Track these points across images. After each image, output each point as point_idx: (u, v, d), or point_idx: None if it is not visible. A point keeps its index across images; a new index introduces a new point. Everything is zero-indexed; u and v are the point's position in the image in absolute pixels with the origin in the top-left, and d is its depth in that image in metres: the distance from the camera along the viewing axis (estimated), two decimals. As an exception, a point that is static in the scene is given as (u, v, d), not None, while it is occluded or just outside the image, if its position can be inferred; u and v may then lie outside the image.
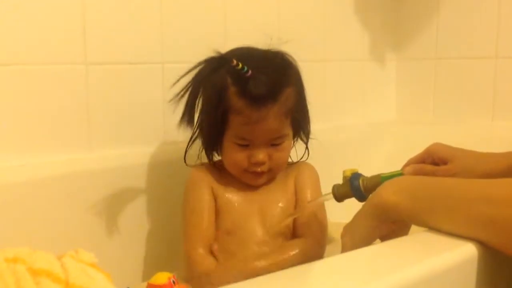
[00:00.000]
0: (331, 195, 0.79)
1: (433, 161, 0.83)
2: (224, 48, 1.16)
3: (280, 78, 0.80)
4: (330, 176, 0.88)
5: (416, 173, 0.81)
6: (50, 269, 0.42)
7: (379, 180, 0.77)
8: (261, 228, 0.84)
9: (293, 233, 0.86)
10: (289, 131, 0.83)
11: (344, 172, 0.81)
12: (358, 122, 1.41)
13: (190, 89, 0.80)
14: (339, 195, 0.79)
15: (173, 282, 0.70)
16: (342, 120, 1.35)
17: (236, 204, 0.85)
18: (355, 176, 0.79)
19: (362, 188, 0.78)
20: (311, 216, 0.85)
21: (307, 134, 0.88)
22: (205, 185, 0.86)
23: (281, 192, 0.87)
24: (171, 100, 0.81)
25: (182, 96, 0.81)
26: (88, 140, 0.98)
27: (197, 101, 0.82)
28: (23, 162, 0.89)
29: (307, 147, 0.89)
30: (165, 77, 1.06)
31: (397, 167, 0.86)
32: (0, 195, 0.82)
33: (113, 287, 0.44)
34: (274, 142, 0.82)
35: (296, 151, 0.91)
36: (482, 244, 0.59)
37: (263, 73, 0.77)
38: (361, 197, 0.78)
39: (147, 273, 0.97)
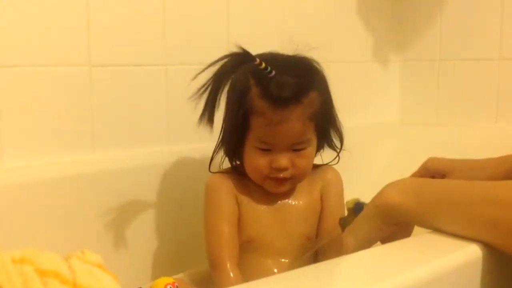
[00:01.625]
0: (340, 228, 0.79)
1: (432, 176, 0.83)
2: (227, 49, 1.16)
3: (304, 81, 0.78)
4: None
5: None
6: (57, 269, 0.42)
7: None
8: (282, 239, 0.82)
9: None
10: (312, 137, 0.81)
11: (346, 203, 0.80)
12: (361, 124, 1.41)
13: (211, 85, 0.76)
14: (346, 227, 0.79)
15: (171, 288, 0.69)
16: (346, 121, 1.33)
17: (258, 213, 0.83)
18: (359, 206, 0.78)
19: None
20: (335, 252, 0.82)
21: (333, 142, 0.85)
22: (228, 192, 0.83)
23: (305, 200, 0.85)
24: (191, 97, 0.76)
25: (203, 92, 0.76)
26: (91, 141, 0.98)
27: (218, 98, 0.77)
28: (28, 163, 0.90)
29: (338, 155, 0.86)
30: (168, 79, 1.07)
31: (400, 168, 0.86)
32: (5, 196, 0.82)
33: (119, 288, 0.44)
34: (297, 147, 0.79)
35: (321, 155, 0.88)
36: (486, 245, 0.59)
37: (287, 75, 0.76)
38: None
39: (153, 274, 0.97)
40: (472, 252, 0.59)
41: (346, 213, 0.80)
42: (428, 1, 1.44)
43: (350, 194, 0.83)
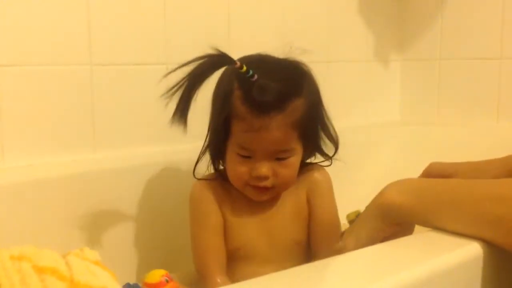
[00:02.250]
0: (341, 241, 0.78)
1: None
2: (228, 48, 1.16)
3: (289, 87, 0.74)
4: (334, 178, 0.88)
5: None
6: (55, 266, 0.42)
7: None
8: (270, 245, 0.80)
9: (309, 248, 0.82)
10: (296, 146, 0.77)
11: (347, 216, 0.79)
12: (362, 123, 1.41)
13: (184, 85, 0.72)
14: None
15: (166, 280, 0.69)
16: (346, 121, 1.34)
17: (244, 221, 0.80)
18: None
19: None
20: (327, 227, 0.81)
21: (321, 150, 0.81)
22: (211, 202, 0.80)
23: (292, 204, 0.81)
24: (163, 95, 0.72)
25: (176, 91, 0.72)
26: (92, 140, 0.98)
27: (191, 98, 0.73)
28: (29, 162, 0.90)
29: (330, 160, 0.82)
30: (169, 78, 1.07)
31: (401, 167, 0.86)
32: (7, 194, 0.82)
33: (117, 285, 0.44)
34: (279, 156, 0.76)
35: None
36: (487, 243, 0.59)
37: (271, 79, 0.71)
38: None
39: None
40: (473, 250, 0.59)
41: (347, 225, 0.79)
42: (429, 1, 1.44)
43: (351, 193, 0.83)
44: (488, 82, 1.34)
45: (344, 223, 0.83)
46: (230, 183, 0.80)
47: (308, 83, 0.78)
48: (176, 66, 1.06)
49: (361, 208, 0.77)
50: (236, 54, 1.14)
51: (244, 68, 0.71)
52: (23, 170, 0.88)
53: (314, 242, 0.82)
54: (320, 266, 0.59)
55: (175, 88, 0.72)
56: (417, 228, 0.74)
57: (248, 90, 0.71)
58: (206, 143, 0.82)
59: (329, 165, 0.84)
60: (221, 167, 0.84)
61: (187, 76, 0.71)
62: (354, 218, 0.78)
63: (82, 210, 0.90)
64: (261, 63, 0.75)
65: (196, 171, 0.84)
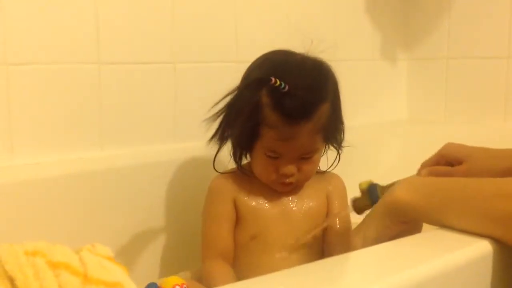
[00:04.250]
0: (351, 209, 0.79)
1: (447, 162, 0.82)
2: (235, 47, 1.17)
3: (317, 94, 0.78)
4: (341, 175, 0.89)
5: (431, 175, 0.79)
6: (68, 262, 0.42)
7: None
8: (287, 234, 0.82)
9: (323, 247, 0.85)
10: (320, 145, 0.81)
11: (360, 185, 0.81)
12: (369, 122, 1.41)
13: (224, 113, 0.79)
14: (359, 208, 0.80)
15: (181, 290, 0.68)
16: (353, 120, 1.33)
17: (262, 209, 0.83)
18: (372, 187, 0.79)
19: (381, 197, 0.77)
20: (343, 233, 0.84)
21: (339, 143, 0.85)
22: (227, 196, 0.84)
23: (312, 199, 0.85)
24: (204, 120, 0.79)
25: (215, 119, 0.79)
26: (100, 138, 0.98)
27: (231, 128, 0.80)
28: (37, 160, 0.90)
29: (338, 155, 0.86)
30: (176, 77, 1.07)
31: (408, 166, 0.86)
32: (16, 192, 0.83)
33: (129, 280, 0.45)
34: (304, 156, 0.80)
35: (328, 158, 0.88)
36: (497, 241, 0.59)
37: (299, 88, 0.75)
38: None
39: (162, 270, 0.97)
40: (483, 248, 0.59)
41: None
42: (436, 0, 1.44)
43: (357, 191, 0.83)
44: (496, 81, 1.34)
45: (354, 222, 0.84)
46: (251, 176, 0.84)
47: (331, 83, 0.81)
48: (184, 64, 1.08)
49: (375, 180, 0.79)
50: (242, 53, 1.15)
51: (278, 82, 0.74)
52: (32, 168, 0.89)
53: (328, 240, 0.85)
54: (329, 264, 0.59)
55: (216, 116, 0.78)
56: (425, 226, 0.74)
57: (279, 100, 0.75)
58: (232, 142, 0.84)
59: (338, 163, 0.87)
60: (241, 165, 0.86)
61: (225, 107, 0.77)
62: (366, 188, 0.79)
63: (89, 208, 0.90)
64: (286, 68, 0.78)
65: (216, 164, 0.87)
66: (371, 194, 0.78)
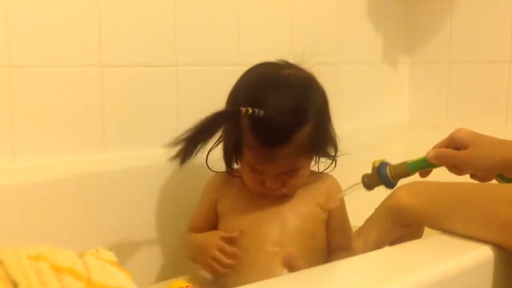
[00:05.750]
0: (361, 184, 0.80)
1: (456, 146, 0.82)
2: (238, 50, 1.16)
3: (296, 118, 0.76)
4: (343, 179, 0.89)
5: (437, 156, 0.79)
6: (72, 266, 0.42)
7: (405, 167, 0.79)
8: (279, 230, 0.82)
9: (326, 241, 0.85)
10: (304, 162, 0.81)
11: (373, 162, 0.82)
12: (370, 125, 1.41)
13: (189, 137, 0.74)
14: (369, 183, 0.80)
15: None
16: (355, 123, 1.34)
17: (248, 205, 0.84)
18: (383, 165, 0.80)
19: (389, 176, 0.79)
20: (343, 225, 0.85)
21: (330, 154, 0.85)
22: (213, 190, 0.87)
23: (308, 202, 0.85)
24: (167, 145, 0.75)
25: (179, 143, 0.75)
26: (102, 141, 0.98)
27: (193, 152, 0.75)
28: (40, 163, 0.90)
29: (334, 162, 0.86)
30: (178, 80, 1.07)
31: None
32: (18, 194, 0.83)
33: (133, 285, 0.45)
34: (288, 174, 0.80)
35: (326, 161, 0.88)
36: (498, 246, 0.59)
37: (277, 112, 0.73)
38: (389, 184, 0.79)
39: (162, 274, 0.97)
40: (484, 254, 0.59)
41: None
42: (438, 3, 1.44)
43: (358, 196, 0.83)
44: (497, 85, 1.34)
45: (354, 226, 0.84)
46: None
47: (316, 102, 0.79)
48: (186, 67, 1.08)
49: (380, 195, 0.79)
50: (244, 56, 1.15)
51: (250, 110, 0.72)
52: (34, 170, 0.89)
53: (331, 241, 0.85)
54: (330, 269, 0.59)
55: (179, 140, 0.74)
56: (427, 230, 0.74)
57: (256, 126, 0.74)
58: (223, 148, 0.84)
59: (334, 169, 0.87)
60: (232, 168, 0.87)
61: (193, 130, 0.73)
62: (377, 165, 0.80)
63: (91, 210, 0.90)
64: (267, 87, 0.76)
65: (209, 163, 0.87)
66: (380, 171, 0.79)
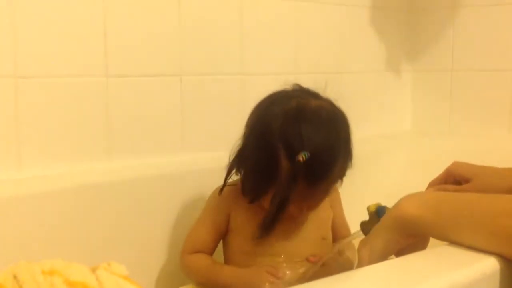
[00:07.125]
0: (361, 233, 0.80)
1: (455, 180, 0.82)
2: (241, 58, 1.17)
3: (333, 154, 0.78)
4: (345, 186, 0.89)
5: None
6: (85, 281, 0.42)
7: None
8: (297, 241, 0.84)
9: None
10: (332, 190, 0.84)
11: (368, 208, 0.81)
12: (373, 133, 1.41)
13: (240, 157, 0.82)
14: (368, 231, 0.79)
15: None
16: (358, 131, 1.34)
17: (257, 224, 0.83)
18: (381, 209, 0.79)
19: None
20: (342, 219, 0.90)
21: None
22: (227, 210, 0.86)
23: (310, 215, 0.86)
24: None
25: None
26: (108, 150, 0.99)
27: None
28: (45, 172, 0.91)
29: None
30: (183, 89, 1.08)
31: (412, 178, 0.86)
32: (23, 205, 0.83)
33: (145, 300, 0.45)
34: (315, 201, 0.82)
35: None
36: (504, 258, 0.59)
37: (318, 151, 0.75)
38: None
39: (169, 284, 0.97)
40: (490, 265, 0.59)
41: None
42: (441, 12, 1.44)
43: (362, 203, 0.83)
44: (500, 93, 1.34)
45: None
46: None
47: (344, 133, 0.81)
48: (190, 77, 1.09)
49: (382, 202, 0.79)
50: (248, 66, 1.15)
51: (304, 158, 0.74)
52: (40, 180, 0.89)
53: (334, 234, 0.90)
54: (336, 281, 0.59)
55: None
56: (432, 241, 0.74)
57: (299, 168, 0.75)
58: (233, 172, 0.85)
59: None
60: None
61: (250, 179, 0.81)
62: (374, 211, 0.79)
63: (97, 219, 0.90)
64: (307, 127, 0.76)
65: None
66: (379, 216, 0.78)
